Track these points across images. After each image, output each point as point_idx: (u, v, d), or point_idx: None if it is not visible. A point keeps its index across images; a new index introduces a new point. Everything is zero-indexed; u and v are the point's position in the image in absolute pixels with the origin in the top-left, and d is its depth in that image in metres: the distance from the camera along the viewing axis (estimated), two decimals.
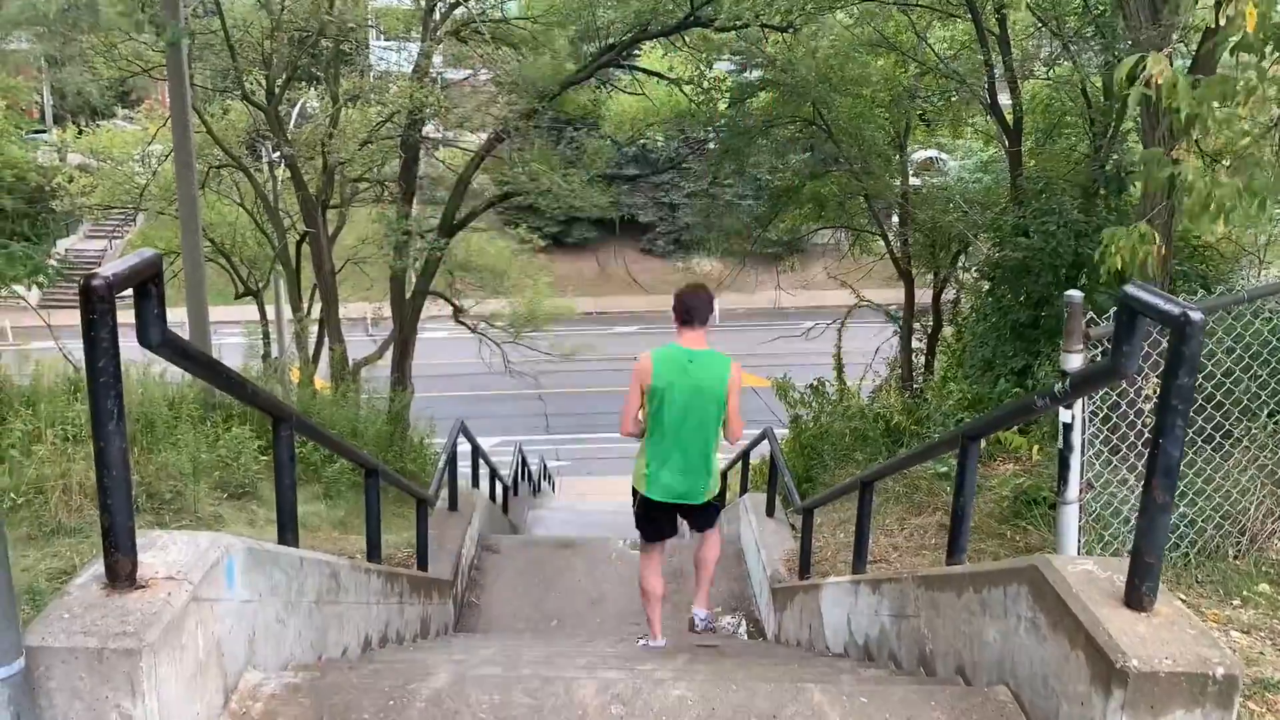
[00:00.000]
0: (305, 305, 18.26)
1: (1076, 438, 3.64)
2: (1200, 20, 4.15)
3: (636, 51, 17.65)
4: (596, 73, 16.75)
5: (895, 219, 17.53)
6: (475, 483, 9.86)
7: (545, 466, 19.14)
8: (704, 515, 5.29)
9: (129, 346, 2.18)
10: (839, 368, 13.86)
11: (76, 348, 2.29)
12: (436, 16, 15.17)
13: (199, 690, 2.29)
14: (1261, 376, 4.52)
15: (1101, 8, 10.80)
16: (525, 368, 18.94)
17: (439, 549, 6.85)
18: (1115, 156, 10.35)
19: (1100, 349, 3.64)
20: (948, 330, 14.21)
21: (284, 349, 16.08)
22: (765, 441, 8.27)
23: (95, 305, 1.98)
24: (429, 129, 16.44)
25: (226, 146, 16.41)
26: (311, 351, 17.02)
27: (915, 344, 16.04)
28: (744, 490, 9.23)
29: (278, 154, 15.93)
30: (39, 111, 33.84)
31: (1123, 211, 9.30)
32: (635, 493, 5.16)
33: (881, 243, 17.72)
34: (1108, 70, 10.36)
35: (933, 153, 21.68)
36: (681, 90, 17.17)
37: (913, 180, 17.62)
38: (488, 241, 21.36)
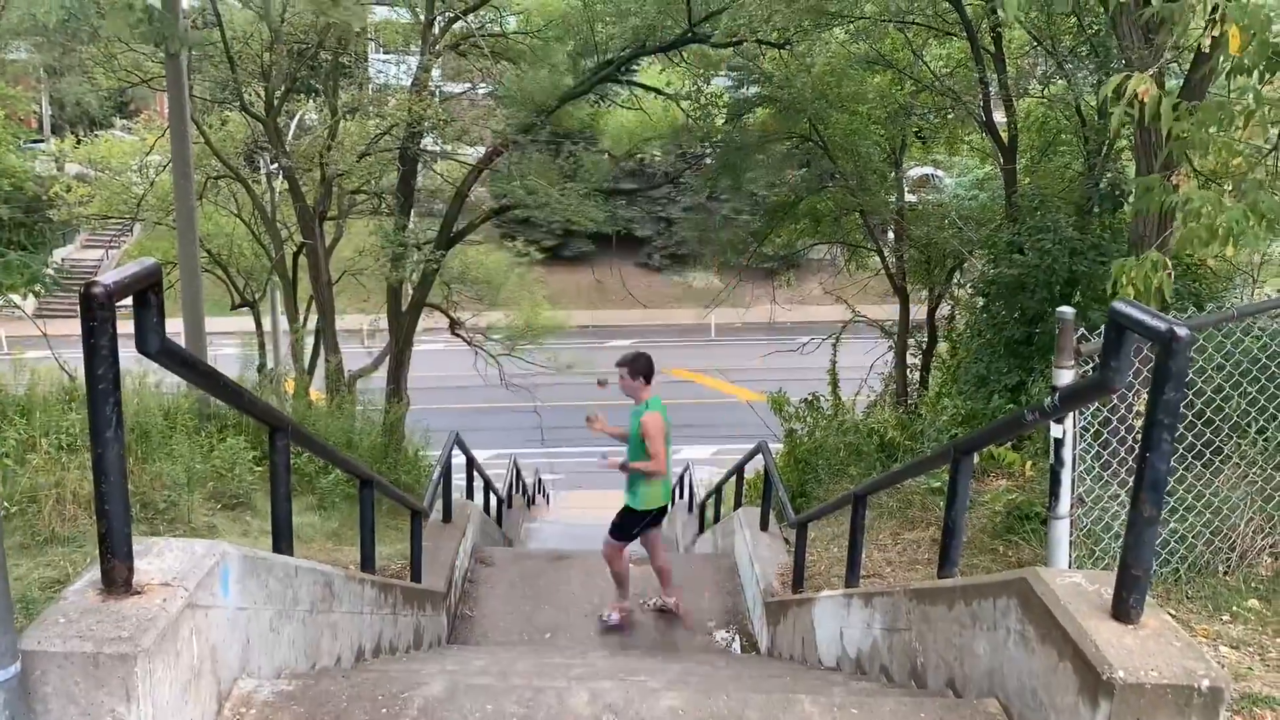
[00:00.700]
0: (302, 317, 18.28)
1: (1068, 453, 3.67)
2: (1193, 41, 4.19)
3: (635, 67, 17.75)
4: (595, 87, 16.84)
5: (891, 235, 17.61)
6: (469, 495, 9.86)
7: (540, 479, 19.14)
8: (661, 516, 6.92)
9: (125, 355, 2.20)
10: (834, 383, 13.88)
11: (72, 357, 2.31)
12: (436, 30, 15.25)
13: (193, 696, 2.31)
14: (1251, 394, 4.55)
15: (1096, 27, 10.89)
16: (521, 381, 18.96)
17: (433, 561, 6.85)
18: (1109, 175, 10.42)
19: (1092, 365, 3.67)
20: (942, 346, 14.25)
21: (280, 360, 16.09)
22: (760, 455, 8.29)
23: (95, 312, 2.00)
24: (427, 142, 16.50)
25: (225, 157, 16.47)
26: (307, 363, 17.02)
27: (910, 360, 16.10)
28: (738, 504, 9.24)
29: (276, 165, 15.99)
30: (37, 121, 33.93)
31: (1117, 230, 9.36)
32: (636, 511, 6.60)
33: (877, 259, 17.80)
34: (1100, 88, 10.44)
35: (929, 170, 21.81)
36: (679, 105, 17.27)
37: (908, 197, 17.72)
38: (485, 254, 21.41)
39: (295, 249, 17.54)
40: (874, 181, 15.87)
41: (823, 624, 5.12)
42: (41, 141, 29.94)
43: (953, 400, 9.92)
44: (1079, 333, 3.73)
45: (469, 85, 17.64)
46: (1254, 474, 4.55)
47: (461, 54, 16.33)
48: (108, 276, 2.05)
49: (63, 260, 29.15)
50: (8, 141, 18.56)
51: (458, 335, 19.26)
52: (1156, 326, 2.20)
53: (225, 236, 19.50)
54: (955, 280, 15.05)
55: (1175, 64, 8.15)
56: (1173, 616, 2.89)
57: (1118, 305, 2.38)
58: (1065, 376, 3.66)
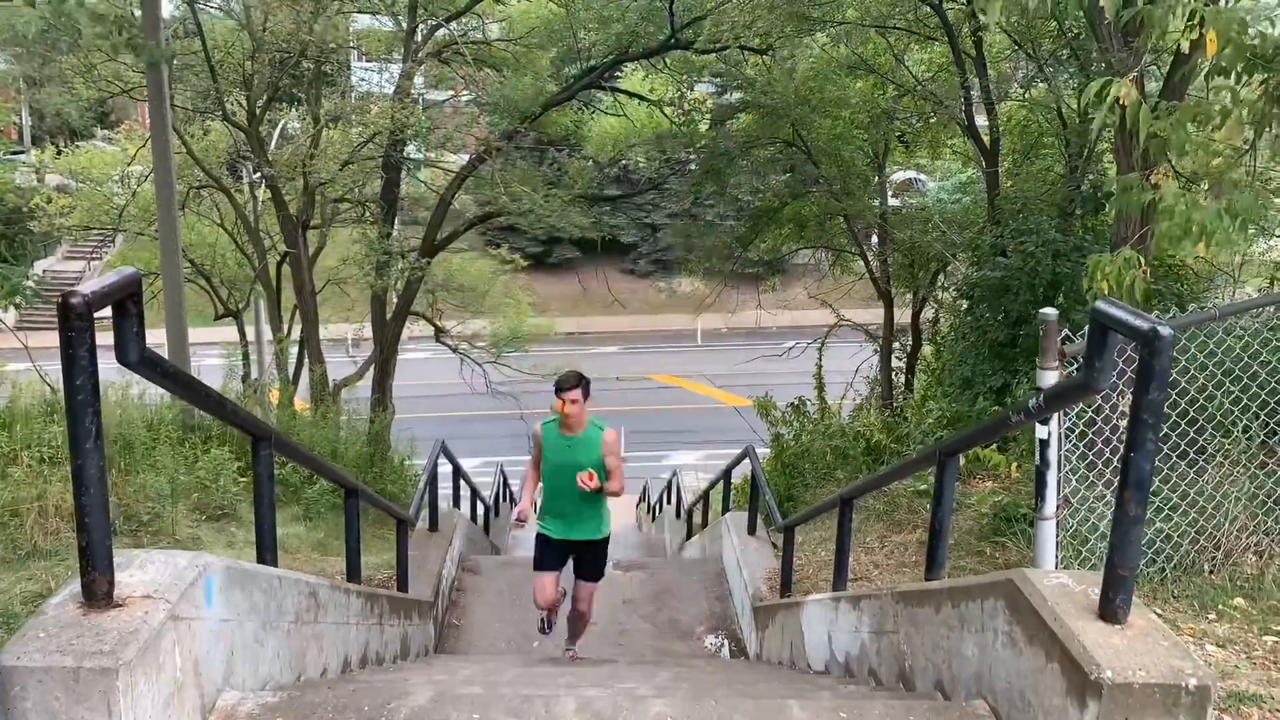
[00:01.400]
0: (285, 326, 18.19)
1: (1053, 454, 3.68)
2: (1172, 44, 4.23)
3: (618, 73, 17.76)
4: (578, 94, 16.84)
5: (875, 239, 17.67)
6: (456, 503, 9.83)
7: None
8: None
9: (107, 367, 2.18)
10: (820, 387, 13.90)
11: (54, 369, 2.29)
12: (418, 38, 15.23)
13: (176, 710, 2.28)
14: (1234, 393, 4.58)
15: (1076, 31, 10.96)
16: (507, 388, 18.91)
17: (419, 570, 6.82)
18: (1091, 177, 10.49)
19: (1076, 366, 3.69)
20: (927, 349, 14.30)
21: (264, 370, 15.99)
22: (747, 460, 8.29)
23: (74, 323, 1.98)
24: (411, 149, 16.47)
25: (207, 167, 16.38)
26: (292, 373, 16.93)
27: (895, 363, 16.14)
28: (726, 509, 9.24)
29: (258, 174, 15.92)
30: (17, 132, 33.71)
31: (1099, 231, 9.42)
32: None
33: (861, 263, 17.85)
34: (1082, 93, 10.51)
35: (912, 174, 21.90)
36: (662, 112, 17.28)
37: (892, 201, 17.79)
38: (469, 262, 21.36)
39: (279, 258, 17.46)
40: (857, 186, 15.92)
41: (811, 628, 5.12)
42: (21, 152, 29.73)
43: (938, 403, 9.95)
44: (1062, 334, 3.74)
45: (452, 93, 17.62)
46: (1238, 473, 4.57)
47: (444, 61, 16.30)
48: (86, 286, 2.03)
49: (44, 272, 28.97)
50: None
51: (443, 343, 19.21)
52: (1139, 326, 2.21)
53: (208, 246, 19.39)
54: (939, 283, 15.11)
55: (1155, 66, 8.23)
56: (1159, 616, 2.90)
57: (1101, 305, 2.38)
58: (1049, 377, 3.68)
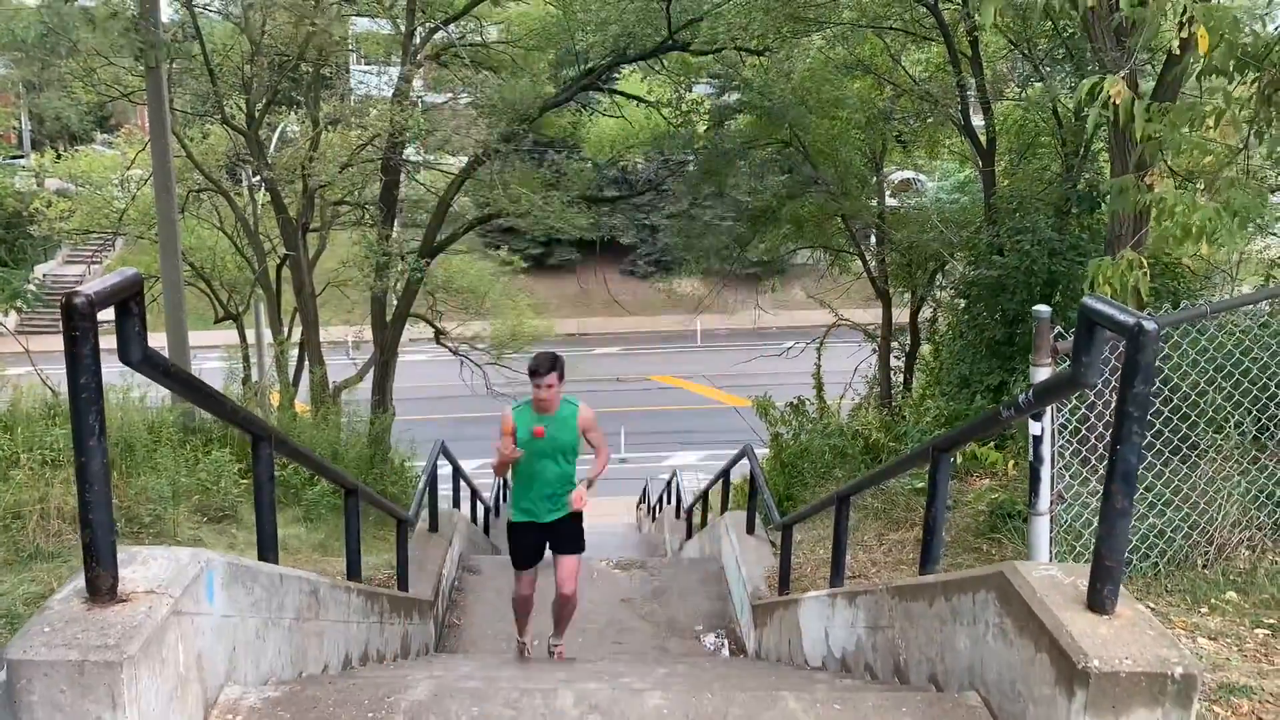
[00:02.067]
0: (285, 329, 18.23)
1: (1046, 450, 3.71)
2: (1165, 43, 4.27)
3: (616, 75, 17.80)
4: (576, 96, 16.89)
5: (873, 239, 17.72)
6: (456, 504, 9.86)
7: None
8: None
9: (108, 370, 2.22)
10: (818, 386, 13.95)
11: (54, 373, 2.33)
12: (417, 41, 15.27)
13: (179, 703, 2.32)
14: (1226, 389, 4.61)
15: (1071, 31, 11.00)
16: (507, 389, 18.94)
17: (419, 569, 6.85)
18: (1087, 176, 10.52)
19: (1069, 362, 3.72)
20: (925, 348, 14.34)
21: (264, 372, 16.04)
22: (746, 460, 8.32)
23: (77, 322, 2.01)
24: (410, 152, 16.51)
25: (206, 170, 16.43)
26: (292, 375, 16.98)
27: (893, 362, 16.19)
28: (725, 509, 9.28)
29: (258, 177, 15.97)
30: (16, 137, 33.76)
31: (1095, 230, 9.46)
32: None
33: (859, 263, 17.89)
34: (1076, 91, 10.54)
35: (909, 174, 21.95)
36: (660, 113, 17.33)
37: (890, 201, 17.83)
38: (469, 264, 21.40)
39: (278, 261, 17.51)
40: (855, 186, 15.98)
41: (809, 624, 5.15)
42: (21, 157, 29.80)
43: (936, 402, 9.99)
44: (1055, 331, 3.78)
45: (450, 95, 17.67)
46: (1230, 468, 4.61)
47: (443, 64, 16.36)
48: (89, 286, 2.07)
49: (44, 276, 29.00)
50: None
51: (443, 345, 19.24)
52: (1125, 321, 2.24)
53: (208, 249, 19.44)
54: (937, 283, 15.16)
55: (1149, 65, 8.26)
56: (1152, 610, 2.94)
57: (1087, 301, 2.42)
58: (1042, 374, 3.71)
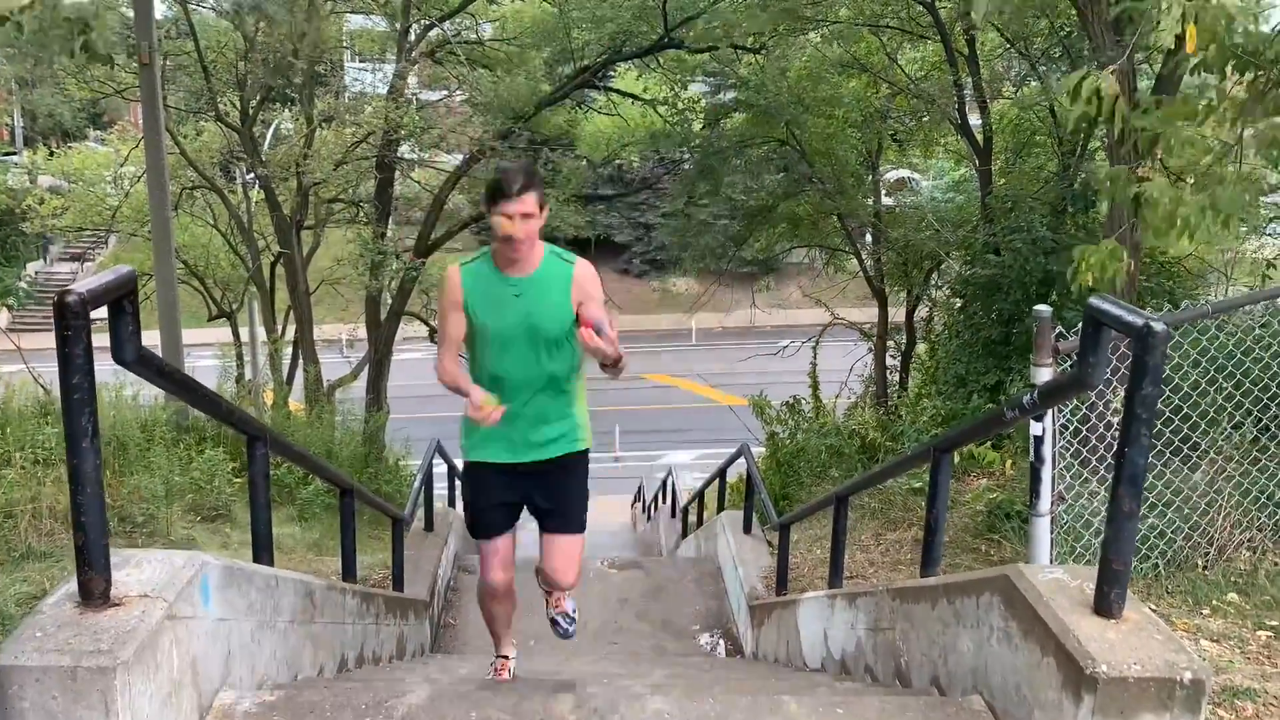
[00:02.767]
0: (280, 327, 18.17)
1: (1047, 450, 3.69)
2: (1161, 42, 4.25)
3: (611, 73, 17.76)
4: (572, 94, 16.84)
5: (869, 238, 17.71)
6: (452, 503, 9.82)
7: None
8: None
9: (101, 368, 2.18)
10: (815, 385, 13.94)
11: (47, 371, 2.29)
12: (412, 38, 15.22)
13: (173, 708, 2.28)
14: (1226, 389, 4.60)
15: (1067, 29, 11.00)
16: None
17: (415, 570, 6.81)
18: (1083, 175, 10.52)
19: (1069, 362, 3.70)
20: (921, 348, 14.34)
21: (258, 371, 15.98)
22: (742, 459, 8.30)
23: (70, 321, 1.98)
24: (404, 149, 16.46)
25: (200, 168, 16.37)
26: (286, 373, 16.92)
27: (890, 361, 16.19)
28: (721, 508, 9.25)
29: (252, 175, 15.91)
30: (9, 133, 33.64)
31: (1090, 229, 9.46)
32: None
33: (855, 261, 17.89)
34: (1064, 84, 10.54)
35: (905, 173, 21.94)
36: (656, 111, 17.29)
37: (885, 200, 17.83)
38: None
39: (272, 259, 17.45)
40: (851, 185, 15.96)
41: (807, 626, 5.13)
42: (14, 154, 29.68)
43: (932, 401, 9.98)
44: (1055, 331, 3.76)
45: (446, 92, 17.61)
46: (1231, 469, 4.59)
47: (438, 61, 16.30)
48: (82, 284, 2.03)
49: (36, 273, 28.91)
50: None
51: (437, 343, 19.18)
52: (1133, 322, 2.22)
53: (201, 247, 19.37)
54: (933, 282, 15.16)
55: (1147, 64, 8.25)
56: (1154, 612, 2.92)
57: (1094, 301, 2.39)
58: (1043, 374, 3.69)
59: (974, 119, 13.04)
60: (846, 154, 16.11)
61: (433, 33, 15.51)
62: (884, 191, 18.49)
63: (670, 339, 33.39)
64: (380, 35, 17.75)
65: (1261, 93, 4.14)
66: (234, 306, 19.63)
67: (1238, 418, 4.63)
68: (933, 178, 20.90)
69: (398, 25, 15.35)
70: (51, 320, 2.01)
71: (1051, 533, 3.80)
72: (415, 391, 22.98)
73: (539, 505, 3.73)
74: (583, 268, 3.45)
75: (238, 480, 7.49)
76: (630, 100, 17.95)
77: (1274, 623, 3.86)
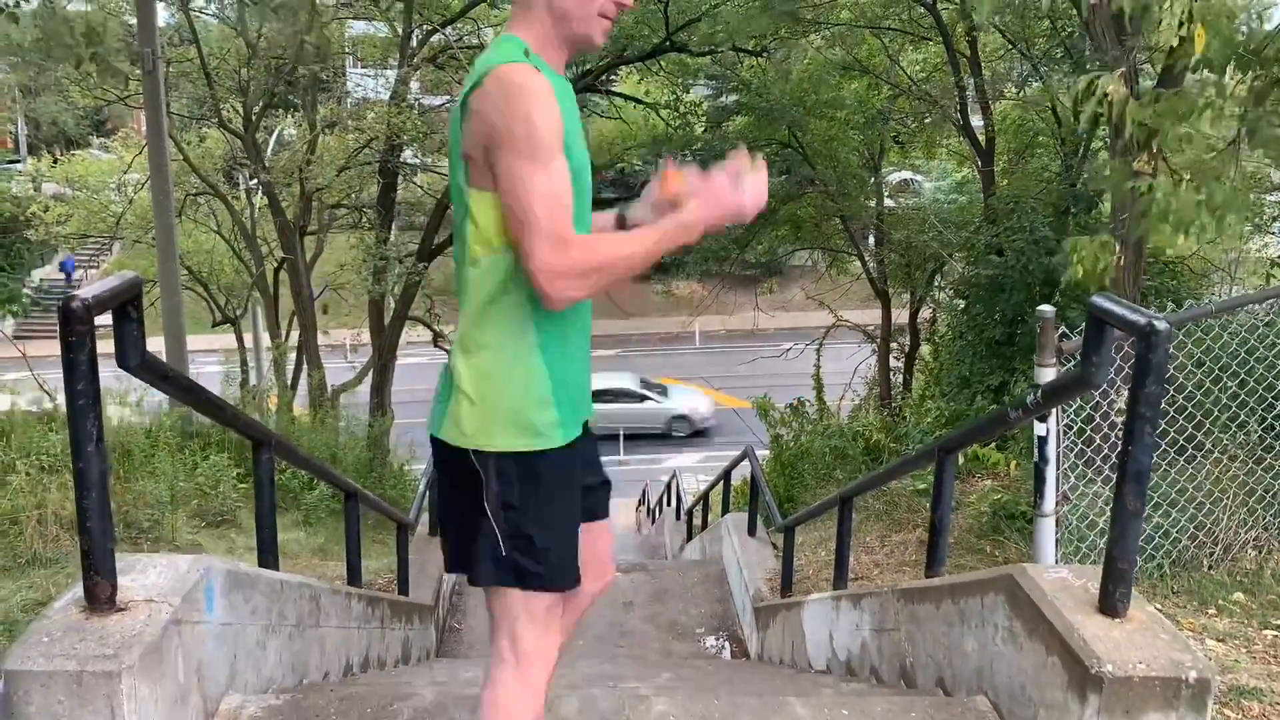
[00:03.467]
0: (284, 332, 18.20)
1: (1051, 450, 3.69)
2: (1164, 41, 4.26)
3: (614, 76, 17.78)
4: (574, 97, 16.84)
5: (871, 240, 17.71)
6: None
7: None
8: (448, 496, 2.12)
9: (106, 374, 2.18)
10: (818, 387, 13.94)
11: (52, 378, 2.29)
12: (414, 43, 15.25)
13: (179, 713, 2.28)
14: (1231, 388, 4.59)
15: (1069, 30, 11.00)
16: None
17: (420, 574, 6.81)
18: (1085, 175, 10.52)
19: (1073, 362, 3.70)
20: (925, 349, 14.33)
21: (262, 376, 16.02)
22: (746, 461, 8.30)
23: (74, 326, 1.98)
24: (407, 155, 16.49)
25: (203, 174, 16.41)
26: (290, 378, 16.95)
27: (893, 363, 16.18)
28: (726, 510, 9.25)
29: (255, 181, 15.94)
30: (13, 141, 33.72)
31: (1093, 229, 9.45)
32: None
33: (858, 263, 17.89)
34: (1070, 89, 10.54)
35: (908, 174, 21.94)
36: (659, 114, 17.30)
37: (888, 202, 17.83)
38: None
39: (276, 264, 17.48)
40: (853, 186, 15.97)
41: (812, 627, 5.13)
42: (18, 162, 29.76)
43: (936, 402, 9.98)
44: (1059, 331, 3.75)
45: (448, 97, 17.64)
46: (1235, 468, 4.58)
47: (440, 67, 16.32)
48: (86, 290, 2.04)
49: (41, 280, 28.95)
50: None
51: (441, 348, 19.20)
52: (1136, 320, 2.22)
53: (205, 253, 19.42)
54: (936, 283, 15.15)
55: (1148, 64, 8.25)
56: (1159, 611, 2.91)
57: (1097, 300, 2.39)
58: (1047, 374, 3.68)
59: (976, 120, 13.04)
60: (849, 156, 16.12)
61: (434, 38, 15.54)
62: (887, 193, 18.49)
63: (674, 342, 33.37)
64: (382, 41, 17.78)
65: (1263, 91, 4.15)
66: (238, 312, 19.67)
67: (1242, 416, 4.63)
68: (935, 179, 20.90)
69: (400, 31, 15.38)
70: (56, 327, 2.02)
71: (1056, 533, 3.79)
72: (419, 396, 23.07)
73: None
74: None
75: (243, 485, 7.50)
76: (632, 104, 17.97)
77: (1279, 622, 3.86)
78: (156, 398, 8.39)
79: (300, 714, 2.59)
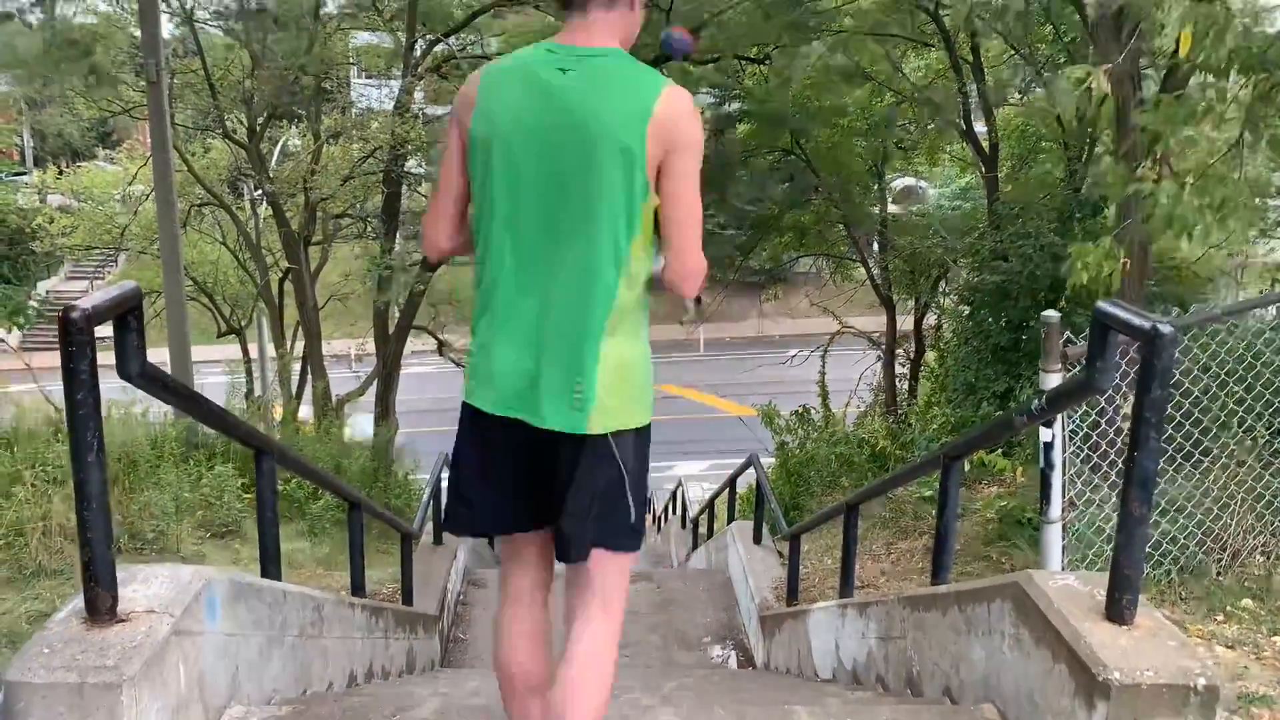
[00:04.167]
0: (288, 342, 18.22)
1: (1057, 456, 3.67)
2: (1163, 46, 4.25)
3: None
4: None
5: (875, 246, 17.70)
6: None
7: None
8: (587, 479, 2.12)
9: (110, 385, 2.18)
10: (824, 394, 13.92)
11: (57, 390, 2.28)
12: (417, 53, 15.28)
13: None
14: (1238, 393, 4.57)
15: (1071, 35, 11.00)
16: None
17: (424, 584, 6.80)
18: (1089, 179, 10.50)
19: (1079, 368, 3.68)
20: (930, 355, 14.30)
21: (267, 386, 16.03)
22: (751, 469, 8.28)
23: (74, 336, 1.98)
24: (412, 164, 16.51)
25: (208, 185, 16.45)
26: (295, 388, 16.96)
27: (898, 369, 16.15)
28: (731, 518, 9.23)
29: (260, 191, 15.98)
30: (19, 154, 33.84)
31: (1098, 235, 9.42)
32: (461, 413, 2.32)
33: (862, 270, 17.87)
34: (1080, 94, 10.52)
35: (912, 181, 21.93)
36: None
37: (892, 208, 17.82)
38: (471, 275, 21.37)
39: (281, 274, 17.51)
40: (857, 193, 15.96)
41: (818, 636, 5.10)
42: (24, 174, 29.86)
43: (942, 409, 9.96)
44: (1064, 336, 3.74)
45: (450, 108, 17.67)
46: (1243, 473, 4.56)
47: (443, 77, 16.35)
48: (86, 300, 2.03)
49: (47, 292, 29.02)
50: None
51: (445, 357, 19.22)
52: (1140, 324, 2.21)
53: (210, 264, 19.45)
54: (941, 289, 15.13)
55: (1151, 69, 8.25)
56: (1167, 618, 2.89)
57: (1101, 305, 2.38)
58: (1053, 380, 3.67)
59: (980, 126, 13.03)
60: (852, 162, 16.12)
61: (438, 48, 15.57)
62: (891, 200, 18.48)
63: (678, 349, 33.34)
64: (386, 52, 17.82)
65: (1265, 94, 4.14)
66: (243, 322, 19.70)
67: (1249, 422, 4.60)
68: (939, 185, 20.88)
69: (403, 41, 15.41)
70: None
71: (1063, 540, 3.77)
72: (424, 406, 23.04)
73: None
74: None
75: (247, 496, 7.50)
76: None
77: None
78: (161, 409, 8.40)
79: None
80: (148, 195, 16.14)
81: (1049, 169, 13.24)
